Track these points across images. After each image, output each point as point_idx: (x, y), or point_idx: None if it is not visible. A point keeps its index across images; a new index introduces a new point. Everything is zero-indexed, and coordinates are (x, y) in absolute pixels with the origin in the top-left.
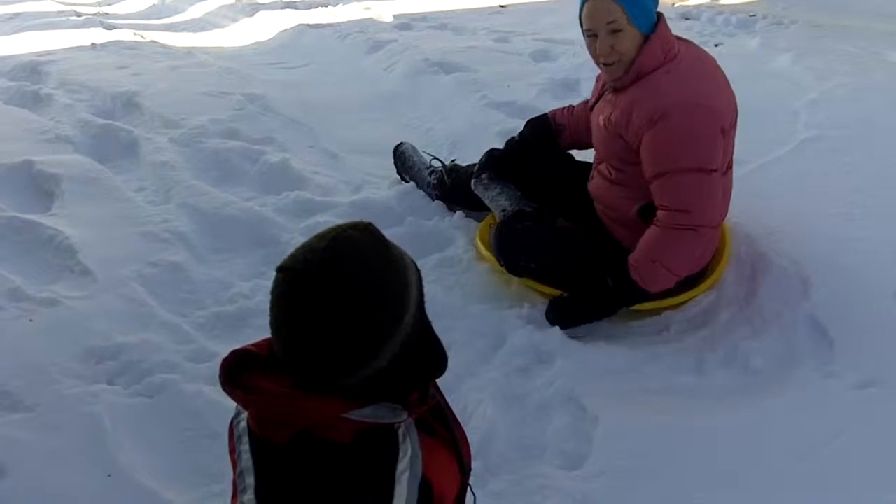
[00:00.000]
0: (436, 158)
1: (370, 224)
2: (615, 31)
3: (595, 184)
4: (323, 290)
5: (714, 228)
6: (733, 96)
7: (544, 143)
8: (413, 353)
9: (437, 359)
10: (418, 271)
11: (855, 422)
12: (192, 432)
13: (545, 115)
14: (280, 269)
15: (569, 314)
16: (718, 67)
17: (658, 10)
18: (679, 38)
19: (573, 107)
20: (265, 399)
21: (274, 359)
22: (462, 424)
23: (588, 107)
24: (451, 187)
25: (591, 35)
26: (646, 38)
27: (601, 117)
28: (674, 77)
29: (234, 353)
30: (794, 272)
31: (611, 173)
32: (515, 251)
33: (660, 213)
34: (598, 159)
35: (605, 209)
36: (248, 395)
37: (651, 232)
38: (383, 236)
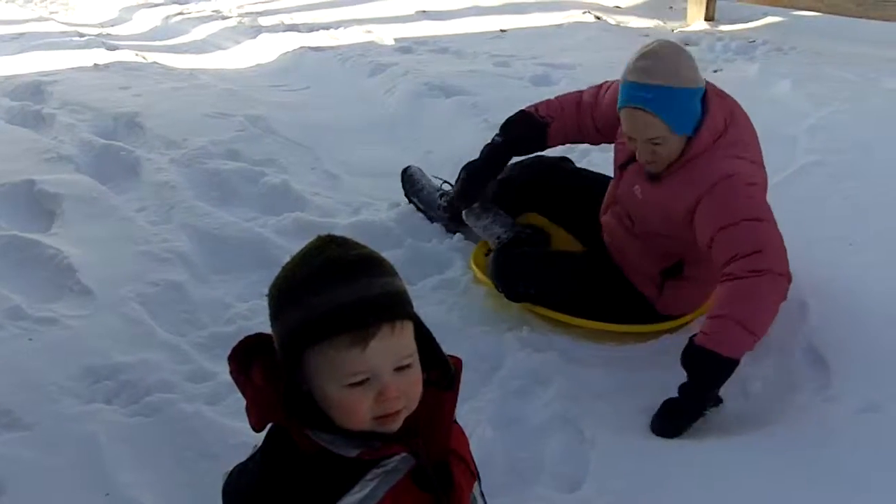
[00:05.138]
0: (445, 182)
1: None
2: (657, 143)
3: (611, 224)
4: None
5: (787, 280)
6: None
7: (532, 140)
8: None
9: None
10: (361, 323)
11: (855, 446)
12: (190, 452)
13: (524, 111)
14: None
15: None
16: (755, 133)
17: (704, 84)
18: (720, 97)
19: (552, 100)
20: (246, 385)
21: None
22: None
23: (615, 164)
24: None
25: (629, 137)
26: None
27: (637, 187)
28: (722, 156)
29: (258, 335)
30: (792, 297)
31: (632, 225)
32: (514, 277)
33: (732, 266)
34: (617, 204)
35: (617, 253)
36: (239, 375)
37: (721, 288)
38: (375, 260)
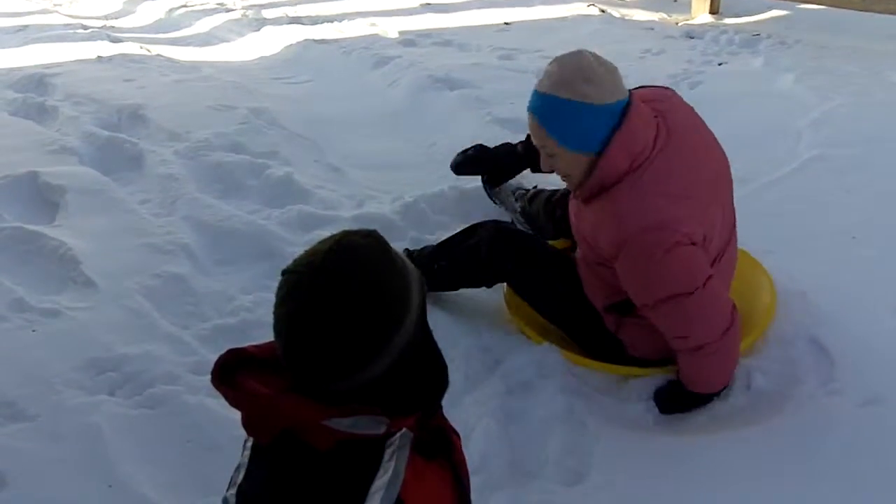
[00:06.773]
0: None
1: (375, 231)
2: (549, 155)
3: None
4: (321, 292)
5: (724, 336)
6: (715, 193)
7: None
8: (411, 365)
9: (437, 373)
10: (422, 282)
11: (859, 439)
12: (193, 444)
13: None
14: (284, 272)
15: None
16: (707, 145)
17: (628, 94)
18: (659, 115)
19: None
20: (249, 399)
21: (272, 361)
22: (463, 452)
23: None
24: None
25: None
26: (597, 155)
27: (573, 211)
28: (637, 193)
29: (230, 352)
30: (796, 290)
31: (581, 249)
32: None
33: (668, 340)
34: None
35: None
36: (235, 393)
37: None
38: (387, 244)
